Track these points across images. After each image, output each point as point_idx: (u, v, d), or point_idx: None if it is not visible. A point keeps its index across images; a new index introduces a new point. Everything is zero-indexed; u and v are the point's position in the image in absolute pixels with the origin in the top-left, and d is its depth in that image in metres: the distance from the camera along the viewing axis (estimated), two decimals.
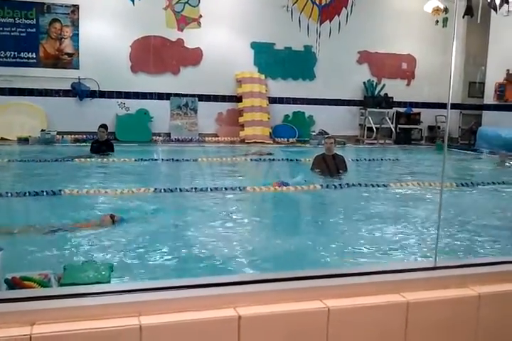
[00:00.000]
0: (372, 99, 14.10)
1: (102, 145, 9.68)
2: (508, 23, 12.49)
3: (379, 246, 4.35)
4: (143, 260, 3.96)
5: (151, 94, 12.72)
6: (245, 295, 1.99)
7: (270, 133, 13.14)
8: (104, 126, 10.02)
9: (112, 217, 4.91)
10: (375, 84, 14.30)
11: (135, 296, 1.95)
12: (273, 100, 13.63)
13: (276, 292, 2.00)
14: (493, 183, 7.85)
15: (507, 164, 10.11)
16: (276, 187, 6.78)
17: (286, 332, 1.96)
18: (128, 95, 12.58)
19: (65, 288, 2.49)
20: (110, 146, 9.74)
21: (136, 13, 11.96)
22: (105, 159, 9.20)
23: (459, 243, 4.56)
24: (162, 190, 6.53)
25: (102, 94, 12.44)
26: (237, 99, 13.22)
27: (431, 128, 14.36)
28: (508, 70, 12.79)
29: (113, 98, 12.54)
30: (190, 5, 11.76)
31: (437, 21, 11.91)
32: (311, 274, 2.11)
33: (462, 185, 7.68)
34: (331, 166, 7.89)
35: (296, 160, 9.70)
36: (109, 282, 3.30)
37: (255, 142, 12.60)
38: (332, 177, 7.69)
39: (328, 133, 13.37)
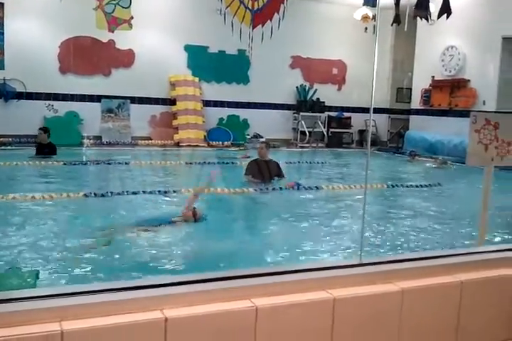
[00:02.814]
0: (304, 104, 14.35)
1: (43, 147, 9.47)
2: (433, 32, 13.04)
3: (306, 246, 4.43)
4: None
5: (80, 96, 12.38)
6: (173, 297, 1.96)
7: (205, 136, 13.10)
8: (43, 129, 9.72)
9: (193, 211, 4.93)
10: (307, 88, 14.56)
11: (57, 301, 1.88)
12: (207, 103, 13.60)
13: (204, 292, 1.99)
14: (421, 186, 8.18)
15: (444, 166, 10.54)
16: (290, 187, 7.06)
17: (214, 333, 1.95)
18: (56, 97, 12.19)
19: None
20: (52, 149, 9.50)
21: (66, 13, 11.63)
22: (43, 162, 8.94)
23: (382, 240, 4.71)
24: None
25: (29, 96, 12.00)
26: (171, 101, 13.10)
27: (361, 132, 14.76)
28: (433, 77, 13.34)
29: (41, 100, 12.12)
30: (121, 6, 11.53)
31: (366, 28, 12.27)
32: (239, 274, 2.11)
33: (392, 186, 7.96)
34: (263, 171, 7.70)
35: None
36: None
37: (189, 145, 12.52)
38: (265, 182, 7.48)
39: (262, 137, 13.50)
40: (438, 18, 10.76)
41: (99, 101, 12.59)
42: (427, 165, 11.12)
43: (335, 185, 7.85)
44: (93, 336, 1.82)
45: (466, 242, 4.52)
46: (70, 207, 5.96)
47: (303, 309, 2.07)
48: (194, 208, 4.98)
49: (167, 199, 6.44)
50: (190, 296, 1.98)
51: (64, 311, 1.84)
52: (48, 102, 12.17)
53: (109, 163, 9.19)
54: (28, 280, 3.60)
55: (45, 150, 9.43)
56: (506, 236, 5.00)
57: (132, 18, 12.44)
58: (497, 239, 4.75)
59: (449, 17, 10.62)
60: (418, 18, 12.35)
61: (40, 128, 9.79)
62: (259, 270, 2.18)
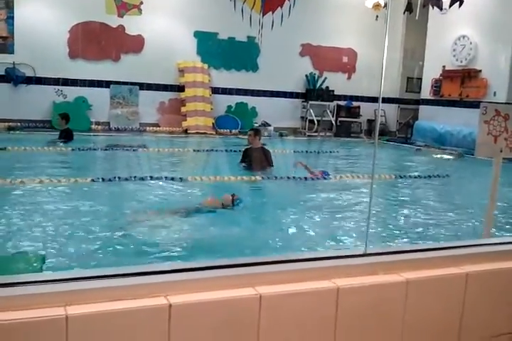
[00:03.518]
0: (314, 92, 14.28)
1: (61, 133, 9.87)
2: (444, 21, 12.90)
3: (313, 235, 4.44)
4: None
5: (90, 81, 12.39)
6: (177, 284, 1.97)
7: (213, 123, 13.08)
8: (61, 115, 10.03)
9: (232, 196, 5.18)
10: (316, 77, 14.48)
11: (62, 286, 1.89)
12: (216, 90, 13.57)
13: (207, 280, 2.00)
14: (429, 176, 8.15)
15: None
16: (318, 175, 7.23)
17: (218, 320, 1.96)
18: (66, 82, 12.21)
19: None
20: (69, 134, 9.83)
21: None
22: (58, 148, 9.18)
23: (389, 230, 4.72)
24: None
25: (38, 81, 12.02)
26: (180, 88, 13.08)
27: (370, 121, 14.70)
28: (444, 67, 13.23)
29: (50, 85, 12.15)
30: None
31: (377, 16, 12.16)
32: (243, 262, 2.11)
33: (400, 177, 7.94)
34: (253, 160, 7.61)
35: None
36: None
37: (198, 132, 12.52)
38: (254, 170, 7.40)
39: (270, 125, 13.47)
40: (450, 6, 10.64)
41: (108, 86, 12.59)
42: (445, 157, 11.01)
43: (343, 174, 7.83)
44: (97, 321, 1.83)
45: (472, 234, 4.51)
46: (98, 192, 6.13)
47: (307, 298, 2.07)
48: (233, 194, 5.22)
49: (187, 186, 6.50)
50: (194, 283, 1.99)
51: (69, 296, 1.85)
52: (57, 87, 12.19)
53: (135, 150, 9.31)
54: (35, 264, 3.64)
55: (62, 135, 9.80)
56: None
57: (142, 3, 12.41)
58: (504, 232, 4.74)
59: (461, 5, 10.50)
60: (430, 6, 12.23)
61: (58, 114, 10.13)
62: (263, 258, 2.19)
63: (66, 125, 9.91)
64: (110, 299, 1.88)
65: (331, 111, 14.22)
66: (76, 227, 4.48)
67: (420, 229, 4.95)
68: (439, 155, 11.12)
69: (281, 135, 13.15)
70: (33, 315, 1.76)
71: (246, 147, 8.02)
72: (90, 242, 4.07)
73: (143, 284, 1.94)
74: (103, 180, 6.44)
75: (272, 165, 7.67)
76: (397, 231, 4.79)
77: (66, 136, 9.74)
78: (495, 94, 11.85)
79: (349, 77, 14.92)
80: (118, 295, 1.88)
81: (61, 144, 9.38)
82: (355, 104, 14.59)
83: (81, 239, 4.17)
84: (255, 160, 7.61)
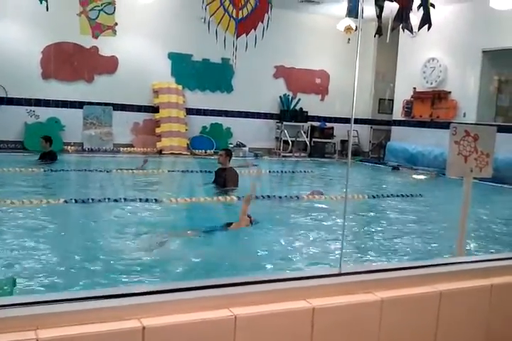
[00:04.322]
0: (288, 113, 14.42)
1: (45, 155, 10.06)
2: (414, 44, 13.22)
3: (289, 255, 4.44)
4: None
5: (63, 102, 12.29)
6: (150, 306, 1.94)
7: (188, 144, 13.07)
8: (44, 138, 10.17)
9: (249, 217, 5.27)
10: (290, 98, 14.64)
11: (33, 309, 1.85)
12: (190, 111, 13.59)
13: (182, 301, 1.97)
14: (402, 195, 8.25)
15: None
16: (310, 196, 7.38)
17: None
18: (38, 103, 12.08)
19: None
20: (53, 156, 10.12)
21: (49, 18, 11.50)
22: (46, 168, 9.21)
23: (363, 250, 4.74)
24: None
25: (10, 101, 11.87)
26: (154, 109, 13.06)
27: (343, 142, 14.85)
28: (414, 88, 13.50)
29: (22, 105, 12.00)
30: (105, 12, 11.46)
31: (349, 39, 12.39)
32: (218, 283, 2.10)
33: (373, 197, 8.02)
34: (219, 180, 7.74)
35: None
36: None
37: (172, 153, 12.49)
38: (221, 190, 7.51)
39: (245, 145, 13.52)
40: (419, 29, 10.90)
41: (82, 107, 12.50)
42: (420, 177, 11.18)
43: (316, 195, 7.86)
44: None
45: (444, 253, 4.56)
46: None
47: (282, 318, 2.06)
48: (249, 215, 5.30)
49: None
50: (168, 305, 1.96)
51: (40, 319, 1.81)
52: (29, 108, 12.06)
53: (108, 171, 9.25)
54: (5, 287, 3.55)
55: (46, 156, 10.00)
56: (484, 247, 5.06)
57: (116, 24, 12.38)
58: (475, 250, 4.80)
59: (430, 29, 10.79)
60: (401, 29, 12.51)
61: (41, 137, 10.22)
62: (238, 279, 2.17)
63: (50, 147, 10.10)
64: (82, 322, 1.84)
65: (305, 132, 14.35)
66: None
67: (394, 248, 4.99)
68: (415, 176, 11.30)
69: (256, 155, 13.20)
70: (4, 339, 1.71)
71: (219, 167, 8.05)
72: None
73: (115, 307, 1.91)
74: (76, 201, 6.35)
75: (236, 186, 7.71)
76: (371, 251, 4.82)
77: (51, 158, 9.98)
78: (464, 115, 12.12)
79: (322, 99, 15.12)
80: (90, 318, 1.85)
81: (45, 166, 9.44)
82: (328, 125, 14.75)
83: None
84: (221, 179, 7.70)
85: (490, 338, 2.57)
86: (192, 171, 9.97)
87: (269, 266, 4.19)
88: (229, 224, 5.25)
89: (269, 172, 10.54)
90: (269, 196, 7.28)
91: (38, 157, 9.98)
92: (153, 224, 5.55)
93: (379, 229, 5.94)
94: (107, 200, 6.46)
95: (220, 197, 7.17)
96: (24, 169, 8.92)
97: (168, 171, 10.14)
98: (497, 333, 2.59)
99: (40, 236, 4.84)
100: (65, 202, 6.29)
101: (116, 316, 1.89)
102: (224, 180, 7.67)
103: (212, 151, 13.10)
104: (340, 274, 2.31)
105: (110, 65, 12.69)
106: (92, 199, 6.44)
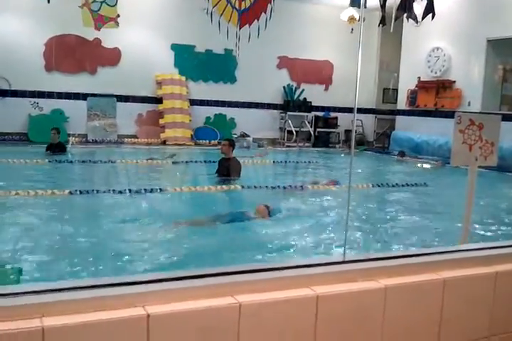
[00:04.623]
0: (291, 103, 14.38)
1: (53, 146, 10.04)
2: (418, 33, 13.14)
3: (295, 243, 4.46)
4: None
5: (66, 94, 12.31)
6: (155, 294, 1.95)
7: (192, 135, 13.08)
8: (56, 129, 10.18)
9: (267, 207, 5.33)
10: (294, 88, 14.59)
11: (38, 297, 1.86)
12: (194, 102, 13.58)
13: (186, 289, 1.98)
14: (407, 185, 8.24)
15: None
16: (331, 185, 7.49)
17: (197, 329, 1.94)
18: (42, 95, 12.10)
19: None
20: (62, 147, 10.15)
21: (51, 11, 11.53)
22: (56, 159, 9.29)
23: (367, 238, 4.76)
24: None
25: (14, 93, 11.90)
26: (158, 100, 13.06)
27: (347, 131, 14.82)
28: (419, 78, 13.43)
29: (26, 97, 12.03)
30: (107, 4, 11.45)
31: (352, 29, 12.31)
32: (222, 271, 2.11)
33: (378, 185, 8.02)
34: (222, 169, 7.79)
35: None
36: None
37: (176, 144, 12.49)
38: (223, 179, 7.58)
39: (249, 136, 13.51)
40: (422, 19, 10.86)
41: (85, 99, 12.51)
42: (426, 166, 11.15)
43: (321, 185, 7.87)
44: (74, 332, 1.80)
45: (449, 240, 4.56)
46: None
47: (286, 306, 2.07)
48: (267, 205, 5.38)
49: None
50: (173, 293, 1.97)
51: (45, 307, 1.82)
52: (33, 100, 12.08)
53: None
54: (12, 276, 3.58)
55: (57, 148, 10.01)
56: (488, 235, 5.06)
57: (119, 16, 12.36)
58: (480, 238, 4.80)
59: (434, 18, 10.72)
60: (405, 19, 12.44)
61: (53, 128, 10.20)
62: (242, 267, 2.18)
63: (58, 139, 10.15)
64: (87, 310, 1.85)
65: (309, 122, 14.33)
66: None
67: (399, 236, 5.00)
68: (421, 165, 11.27)
69: (260, 146, 13.20)
70: (10, 326, 1.73)
71: (222, 157, 8.09)
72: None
73: (120, 295, 1.92)
74: (80, 192, 6.38)
75: (239, 176, 7.75)
76: (376, 239, 4.83)
77: (60, 149, 10.03)
78: (469, 103, 12.06)
79: (326, 89, 15.07)
80: (95, 306, 1.86)
81: (56, 156, 9.54)
82: (332, 114, 14.72)
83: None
84: (224, 169, 7.75)
85: (494, 325, 2.58)
86: (196, 161, 10.00)
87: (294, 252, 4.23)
88: (245, 213, 5.31)
89: (279, 162, 10.61)
90: (285, 186, 7.41)
91: (45, 148, 10.00)
92: (170, 212, 5.62)
93: (387, 217, 5.96)
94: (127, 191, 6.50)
95: (224, 186, 7.20)
96: (40, 160, 9.02)
97: (173, 163, 10.15)
98: (501, 320, 2.59)
99: (68, 225, 4.93)
100: (70, 193, 6.32)
101: (121, 304, 1.90)
102: (227, 170, 7.71)
103: (216, 142, 13.10)
104: (344, 262, 2.32)
105: (113, 57, 12.67)
106: (111, 190, 6.49)
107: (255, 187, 7.21)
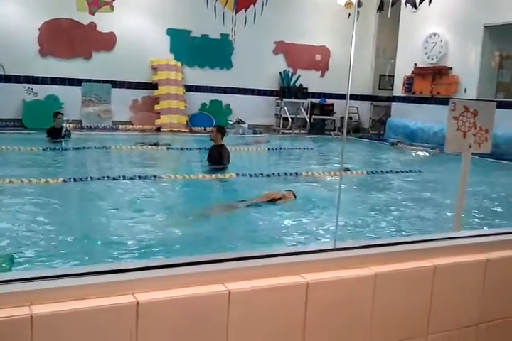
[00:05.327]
0: (287, 90, 14.32)
1: (55, 131, 9.89)
2: (416, 19, 13.05)
3: (287, 230, 4.47)
4: None
5: (61, 79, 12.22)
6: (144, 281, 1.95)
7: (187, 121, 13.03)
8: (60, 113, 10.11)
9: (293, 193, 5.64)
10: (290, 74, 14.52)
11: (27, 285, 1.86)
12: (190, 88, 13.51)
13: (176, 277, 1.98)
14: (402, 172, 8.24)
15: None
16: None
17: (187, 317, 1.94)
18: (36, 80, 12.01)
19: None
20: (67, 132, 10.00)
21: None
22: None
23: (358, 225, 4.78)
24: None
25: (8, 79, 11.81)
26: (153, 86, 12.98)
27: (343, 118, 14.77)
28: (415, 64, 13.38)
29: (20, 83, 11.94)
30: None
31: (349, 15, 12.23)
32: (212, 258, 2.10)
33: (372, 172, 8.03)
34: (211, 156, 7.76)
35: None
36: None
37: (171, 130, 12.45)
38: (212, 167, 7.60)
39: (244, 122, 13.47)
40: (420, 3, 10.79)
41: (80, 84, 12.43)
42: (425, 154, 11.16)
43: (316, 171, 7.88)
44: (63, 320, 1.80)
45: (442, 227, 4.59)
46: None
47: (276, 293, 2.07)
48: (291, 190, 5.69)
49: None
50: (162, 280, 1.97)
51: (34, 295, 1.81)
52: (27, 85, 12.00)
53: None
54: (3, 265, 3.57)
55: (56, 133, 9.82)
56: (480, 222, 5.08)
57: (114, 0, 12.27)
58: (472, 225, 4.82)
59: (431, 3, 10.63)
60: (403, 4, 12.36)
61: (57, 113, 10.08)
62: (232, 254, 2.18)
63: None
64: (76, 298, 1.85)
65: (304, 109, 14.28)
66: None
67: (391, 223, 5.01)
68: (421, 152, 11.28)
69: (255, 133, 13.16)
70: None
71: (213, 144, 8.07)
72: None
73: (109, 282, 1.92)
74: (75, 180, 6.37)
75: (224, 165, 7.72)
76: (367, 226, 4.84)
77: (64, 135, 9.89)
78: (465, 90, 12.03)
79: (322, 75, 15.00)
80: (84, 294, 1.85)
81: (62, 143, 9.54)
82: (328, 101, 14.67)
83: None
84: (212, 157, 7.73)
85: (484, 312, 2.59)
86: (192, 148, 9.98)
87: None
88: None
89: (268, 149, 10.58)
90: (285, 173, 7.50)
91: (45, 134, 9.89)
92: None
93: (379, 204, 5.97)
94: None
95: (215, 175, 7.23)
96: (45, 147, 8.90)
97: (168, 148, 10.13)
98: (491, 307, 2.61)
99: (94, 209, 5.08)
100: (64, 181, 6.31)
101: (110, 291, 1.90)
102: (214, 157, 7.68)
103: (211, 128, 13.04)
104: (334, 249, 2.31)
105: (108, 42, 12.56)
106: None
107: (279, 174, 7.33)
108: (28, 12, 11.85)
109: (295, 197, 5.61)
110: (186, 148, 10.05)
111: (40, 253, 3.83)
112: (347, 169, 7.69)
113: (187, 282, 1.99)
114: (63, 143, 9.45)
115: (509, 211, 5.93)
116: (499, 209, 5.94)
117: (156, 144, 9.95)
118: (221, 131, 7.93)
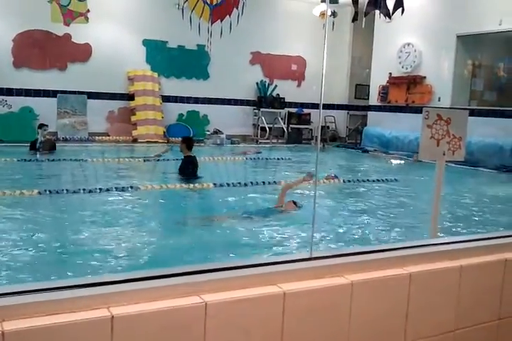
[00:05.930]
0: (264, 99, 14.39)
1: (37, 144, 9.82)
2: (390, 29, 13.25)
3: (260, 241, 4.47)
4: None
5: (35, 91, 12.10)
6: (119, 294, 1.92)
7: (164, 132, 12.98)
8: (45, 125, 10.05)
9: (294, 202, 5.62)
10: (267, 84, 14.60)
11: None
12: (167, 99, 13.49)
13: (151, 289, 1.96)
14: (378, 180, 8.32)
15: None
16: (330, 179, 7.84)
17: (163, 330, 1.92)
18: (10, 92, 11.88)
19: None
20: (52, 144, 10.01)
21: (20, 6, 11.33)
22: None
23: (333, 234, 4.80)
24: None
25: None
26: (129, 97, 12.93)
27: (321, 128, 14.88)
28: (390, 74, 13.56)
29: None
30: None
31: (325, 25, 12.35)
32: (187, 270, 2.09)
33: (348, 181, 8.09)
34: (180, 167, 7.87)
35: None
36: None
37: (148, 141, 12.39)
38: (181, 178, 7.68)
39: (222, 133, 13.47)
40: (392, 13, 10.97)
41: (55, 96, 12.32)
42: (400, 161, 11.29)
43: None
44: (37, 336, 1.77)
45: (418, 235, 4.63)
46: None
47: (253, 304, 2.06)
48: (293, 201, 5.69)
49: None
50: (137, 293, 1.95)
51: (5, 311, 1.78)
52: (1, 97, 11.84)
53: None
54: None
55: (46, 146, 9.80)
56: (455, 229, 5.14)
57: (89, 11, 12.21)
58: (447, 232, 4.87)
59: (404, 13, 10.82)
60: (376, 14, 12.53)
61: (42, 124, 10.01)
62: (207, 266, 2.17)
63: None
64: (49, 313, 1.82)
65: (282, 119, 14.36)
66: None
67: (367, 232, 5.04)
68: (396, 160, 11.40)
69: (233, 142, 13.18)
70: None
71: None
72: None
73: (83, 296, 1.89)
74: (50, 192, 6.30)
75: (193, 175, 7.75)
76: (343, 235, 4.87)
77: (50, 147, 9.89)
78: (439, 99, 12.22)
79: (299, 85, 15.11)
80: (57, 309, 1.82)
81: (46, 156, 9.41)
82: (305, 111, 14.77)
83: None
84: (181, 168, 7.81)
85: (460, 318, 2.62)
86: (169, 159, 9.92)
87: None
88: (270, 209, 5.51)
89: (246, 159, 10.58)
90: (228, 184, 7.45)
91: (29, 147, 9.78)
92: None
93: (354, 213, 6.00)
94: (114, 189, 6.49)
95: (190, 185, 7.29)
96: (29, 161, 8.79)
97: (145, 159, 10.06)
98: (467, 313, 2.63)
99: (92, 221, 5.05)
100: (39, 193, 6.23)
101: (84, 306, 1.87)
102: (181, 168, 7.79)
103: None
104: (310, 258, 2.32)
105: (83, 53, 12.50)
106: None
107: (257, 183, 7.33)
108: (2, 24, 11.74)
109: (297, 206, 5.61)
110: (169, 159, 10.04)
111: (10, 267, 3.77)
112: (335, 177, 7.89)
113: (162, 295, 1.97)
114: (38, 155, 9.38)
115: (483, 217, 6.01)
116: (472, 216, 6.02)
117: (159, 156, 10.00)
118: (186, 142, 8.00)
